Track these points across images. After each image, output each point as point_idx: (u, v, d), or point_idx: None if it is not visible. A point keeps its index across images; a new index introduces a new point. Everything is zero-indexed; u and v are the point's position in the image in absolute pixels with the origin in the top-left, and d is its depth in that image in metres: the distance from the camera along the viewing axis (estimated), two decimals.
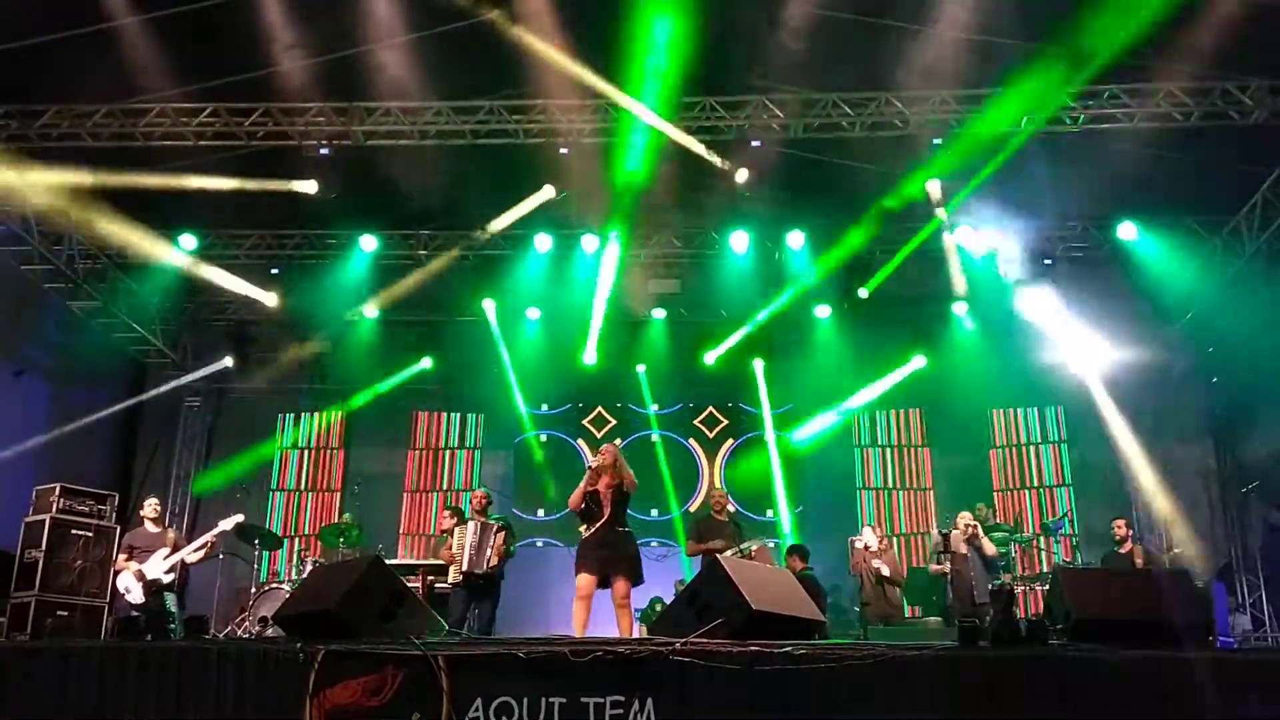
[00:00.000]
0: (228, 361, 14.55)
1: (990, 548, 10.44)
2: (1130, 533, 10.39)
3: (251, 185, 11.64)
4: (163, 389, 14.49)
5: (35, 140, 10.89)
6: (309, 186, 11.76)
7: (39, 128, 10.84)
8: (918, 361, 14.28)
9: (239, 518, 10.49)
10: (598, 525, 7.74)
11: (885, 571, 10.70)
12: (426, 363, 14.78)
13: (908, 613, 12.64)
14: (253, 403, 15.24)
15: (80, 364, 13.52)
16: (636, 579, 7.71)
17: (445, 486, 14.89)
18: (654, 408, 15.05)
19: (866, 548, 10.89)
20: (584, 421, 15.12)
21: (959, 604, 9.99)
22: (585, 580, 7.58)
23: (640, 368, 14.90)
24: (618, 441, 8.22)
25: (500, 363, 14.60)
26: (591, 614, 7.63)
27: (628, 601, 7.62)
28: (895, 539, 14.18)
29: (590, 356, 14.57)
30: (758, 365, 14.79)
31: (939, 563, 10.45)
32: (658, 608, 11.26)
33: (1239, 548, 13.54)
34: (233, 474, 14.13)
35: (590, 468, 7.97)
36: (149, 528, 10.01)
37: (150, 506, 10.18)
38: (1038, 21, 9.62)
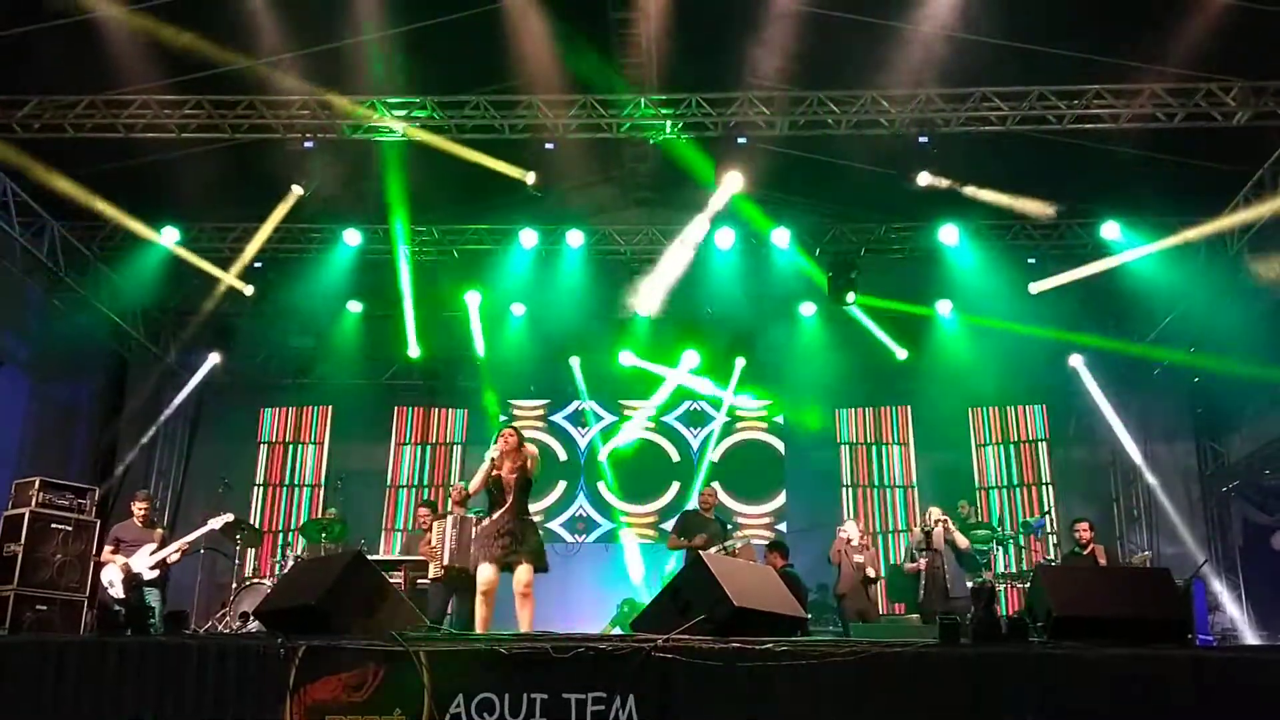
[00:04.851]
0: (215, 358, 14.47)
1: (962, 541, 10.49)
2: (1093, 535, 10.59)
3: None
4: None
5: (17, 131, 10.78)
6: (298, 189, 12.02)
7: (21, 119, 10.74)
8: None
9: (229, 516, 10.34)
10: (500, 513, 7.43)
11: (871, 574, 10.78)
12: (414, 352, 14.60)
13: (894, 609, 12.72)
14: (236, 397, 15.16)
15: (61, 357, 13.41)
16: (539, 566, 7.36)
17: (429, 481, 14.84)
18: (636, 403, 15.10)
19: (849, 540, 10.92)
20: (566, 416, 15.15)
21: (931, 601, 10.04)
22: (487, 572, 7.26)
23: (624, 354, 14.84)
24: (511, 429, 7.83)
25: (485, 358, 14.56)
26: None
27: (530, 590, 7.23)
28: (877, 537, 14.21)
29: (572, 352, 14.73)
30: (738, 362, 14.86)
31: (913, 559, 10.51)
32: (626, 609, 11.36)
33: (1219, 547, 13.63)
34: None
35: (492, 458, 7.54)
36: (138, 522, 9.89)
37: (141, 501, 10.05)
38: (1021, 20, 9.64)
